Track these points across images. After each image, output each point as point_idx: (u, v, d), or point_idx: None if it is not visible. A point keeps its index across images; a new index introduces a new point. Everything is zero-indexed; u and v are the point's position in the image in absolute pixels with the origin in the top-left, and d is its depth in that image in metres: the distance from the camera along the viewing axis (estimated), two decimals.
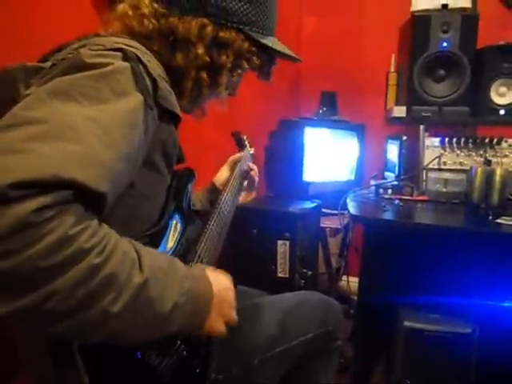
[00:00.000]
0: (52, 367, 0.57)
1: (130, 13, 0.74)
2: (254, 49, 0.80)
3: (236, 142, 1.23)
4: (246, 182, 1.22)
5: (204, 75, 0.76)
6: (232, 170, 1.17)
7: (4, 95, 0.61)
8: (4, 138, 0.47)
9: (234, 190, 1.07)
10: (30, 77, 0.61)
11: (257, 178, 1.24)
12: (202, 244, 0.84)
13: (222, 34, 0.75)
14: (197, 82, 0.77)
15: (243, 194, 1.24)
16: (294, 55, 0.86)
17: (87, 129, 0.51)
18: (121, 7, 0.76)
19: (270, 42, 0.82)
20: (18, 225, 0.42)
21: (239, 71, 0.81)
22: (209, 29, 0.74)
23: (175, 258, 0.62)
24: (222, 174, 1.20)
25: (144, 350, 0.62)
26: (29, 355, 0.67)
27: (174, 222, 0.76)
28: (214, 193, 1.14)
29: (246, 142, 1.22)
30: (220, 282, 0.69)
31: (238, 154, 1.20)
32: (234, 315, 0.71)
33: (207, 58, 0.75)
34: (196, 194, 1.14)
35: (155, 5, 0.74)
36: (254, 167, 1.24)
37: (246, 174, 1.21)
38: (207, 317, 0.64)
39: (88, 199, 0.48)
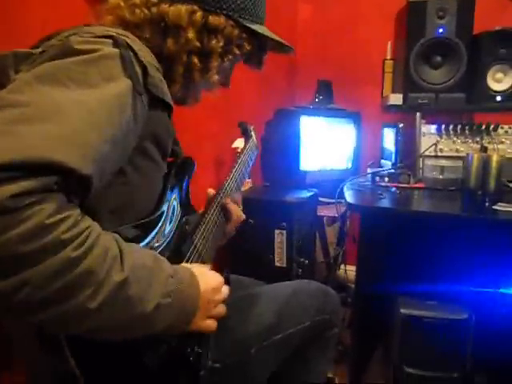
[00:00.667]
0: (40, 353, 0.57)
1: (122, 4, 0.75)
2: (244, 35, 0.80)
3: (242, 131, 1.22)
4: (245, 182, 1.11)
5: (195, 59, 0.76)
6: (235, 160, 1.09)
7: None
8: None
9: (237, 180, 1.04)
10: (19, 62, 0.61)
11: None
12: (199, 234, 0.84)
13: (211, 19, 0.75)
14: (188, 67, 0.77)
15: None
16: (284, 43, 0.86)
17: (73, 112, 0.50)
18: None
19: (260, 29, 0.82)
20: None
21: (230, 57, 0.81)
22: (198, 14, 0.74)
23: (161, 257, 0.61)
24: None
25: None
26: (20, 342, 0.67)
27: (171, 210, 0.75)
28: None
29: (252, 133, 1.20)
30: (208, 281, 0.68)
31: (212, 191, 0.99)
32: (221, 312, 0.71)
33: (197, 43, 0.75)
34: None
35: None
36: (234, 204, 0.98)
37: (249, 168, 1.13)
38: (193, 318, 0.64)
39: (72, 183, 0.48)
